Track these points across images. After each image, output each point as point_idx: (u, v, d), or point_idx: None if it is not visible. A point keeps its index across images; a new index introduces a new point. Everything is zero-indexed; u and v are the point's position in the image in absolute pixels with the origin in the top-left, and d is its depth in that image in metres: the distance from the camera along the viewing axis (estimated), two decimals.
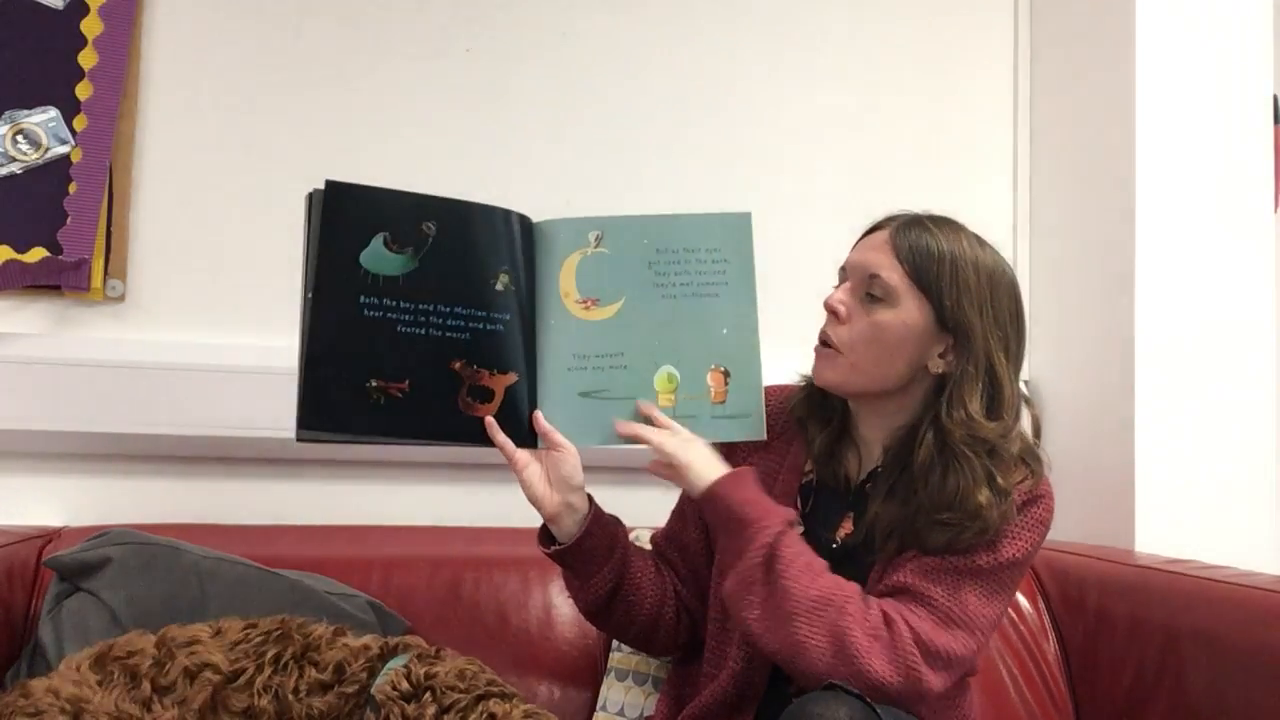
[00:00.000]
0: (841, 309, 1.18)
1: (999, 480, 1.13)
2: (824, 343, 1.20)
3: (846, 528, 1.22)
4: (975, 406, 1.13)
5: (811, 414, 1.25)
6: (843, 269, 1.23)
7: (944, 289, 1.14)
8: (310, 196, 1.14)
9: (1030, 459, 1.18)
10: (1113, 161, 1.89)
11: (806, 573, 1.08)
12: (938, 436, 1.14)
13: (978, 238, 1.19)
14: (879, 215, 1.24)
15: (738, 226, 1.26)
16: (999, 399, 1.14)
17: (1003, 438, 1.14)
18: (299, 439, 1.11)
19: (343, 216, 1.14)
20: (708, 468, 1.16)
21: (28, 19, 1.73)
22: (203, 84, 1.81)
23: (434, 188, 1.84)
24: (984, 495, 1.11)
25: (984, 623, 1.13)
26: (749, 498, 1.14)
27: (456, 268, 1.18)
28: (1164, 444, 1.81)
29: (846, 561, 1.16)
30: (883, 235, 1.19)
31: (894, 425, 1.20)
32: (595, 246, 1.23)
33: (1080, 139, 2.00)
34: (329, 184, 1.15)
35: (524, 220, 1.23)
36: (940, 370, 1.16)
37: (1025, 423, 1.20)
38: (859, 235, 1.24)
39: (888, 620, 1.07)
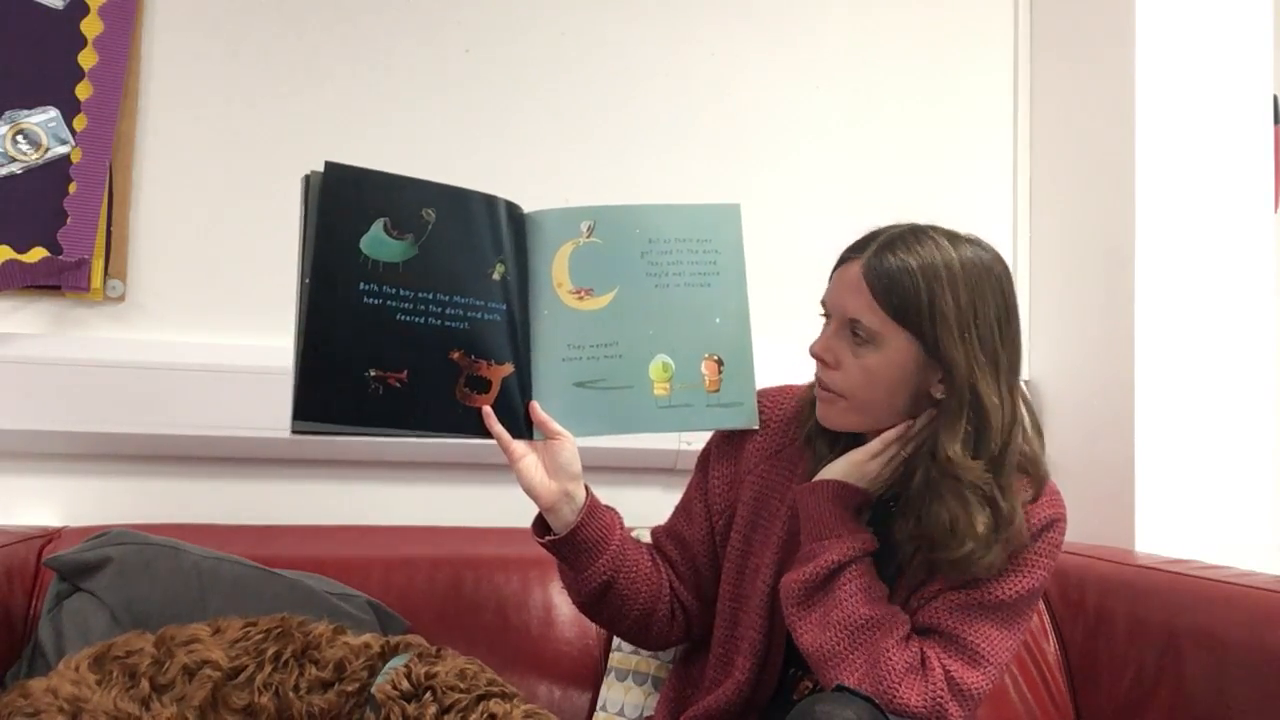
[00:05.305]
0: (829, 357, 1.17)
1: (1002, 503, 1.11)
2: (823, 387, 1.19)
3: None
4: (956, 448, 1.10)
5: (820, 433, 1.23)
6: (824, 302, 1.20)
7: (924, 326, 1.10)
8: (307, 179, 1.13)
9: (1029, 466, 1.16)
10: (1113, 161, 1.90)
11: (864, 594, 1.12)
12: (927, 470, 1.13)
13: (951, 236, 1.14)
14: (871, 221, 1.19)
15: (728, 218, 1.26)
16: (986, 430, 1.11)
17: (990, 471, 1.11)
18: (294, 430, 1.10)
19: (343, 201, 1.13)
20: (838, 463, 1.18)
21: (28, 19, 1.72)
22: (203, 84, 1.81)
23: None
24: (982, 522, 1.10)
25: (1007, 656, 1.15)
26: (842, 514, 1.16)
27: (456, 256, 1.17)
28: (1164, 444, 1.81)
29: None
30: (856, 271, 1.14)
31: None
32: (587, 237, 1.23)
33: (1080, 139, 2.00)
34: (329, 166, 1.13)
35: (515, 209, 1.22)
36: (941, 396, 1.14)
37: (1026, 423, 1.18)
38: (836, 264, 1.19)
39: (924, 659, 1.10)
